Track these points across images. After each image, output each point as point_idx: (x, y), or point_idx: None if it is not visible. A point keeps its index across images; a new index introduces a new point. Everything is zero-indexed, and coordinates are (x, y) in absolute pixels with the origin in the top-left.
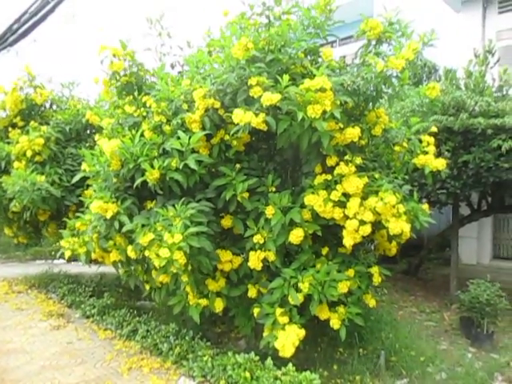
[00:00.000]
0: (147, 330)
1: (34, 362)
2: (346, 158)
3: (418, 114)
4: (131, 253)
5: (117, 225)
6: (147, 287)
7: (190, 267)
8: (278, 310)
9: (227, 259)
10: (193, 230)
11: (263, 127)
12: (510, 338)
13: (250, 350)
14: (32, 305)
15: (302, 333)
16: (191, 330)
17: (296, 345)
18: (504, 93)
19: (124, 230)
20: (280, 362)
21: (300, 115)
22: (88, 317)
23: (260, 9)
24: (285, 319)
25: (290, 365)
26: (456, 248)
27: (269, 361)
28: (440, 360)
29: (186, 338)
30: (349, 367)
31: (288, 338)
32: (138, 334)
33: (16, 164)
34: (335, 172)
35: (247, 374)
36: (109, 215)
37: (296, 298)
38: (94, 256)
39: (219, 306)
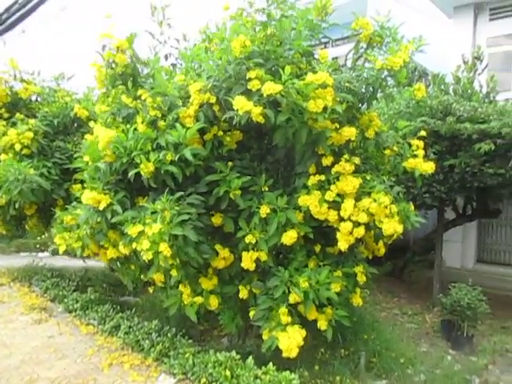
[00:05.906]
0: (130, 326)
1: (13, 356)
2: (345, 157)
3: (405, 115)
4: (124, 249)
5: (109, 215)
6: (151, 290)
7: (178, 260)
8: (283, 310)
9: (223, 256)
10: (177, 219)
11: (260, 120)
12: (489, 342)
13: (232, 349)
14: (14, 298)
15: (304, 333)
16: (174, 327)
17: (300, 345)
18: (491, 99)
19: (115, 220)
20: (261, 361)
21: (304, 105)
22: (71, 311)
23: (261, 5)
24: (288, 319)
25: (271, 364)
26: (440, 251)
27: (249, 360)
28: (420, 362)
29: (169, 335)
30: (330, 368)
31: (291, 339)
32: (120, 330)
33: (3, 156)
34: (333, 170)
35: (228, 373)
36: (102, 206)
37: (299, 295)
38: (87, 252)
39: (214, 302)
